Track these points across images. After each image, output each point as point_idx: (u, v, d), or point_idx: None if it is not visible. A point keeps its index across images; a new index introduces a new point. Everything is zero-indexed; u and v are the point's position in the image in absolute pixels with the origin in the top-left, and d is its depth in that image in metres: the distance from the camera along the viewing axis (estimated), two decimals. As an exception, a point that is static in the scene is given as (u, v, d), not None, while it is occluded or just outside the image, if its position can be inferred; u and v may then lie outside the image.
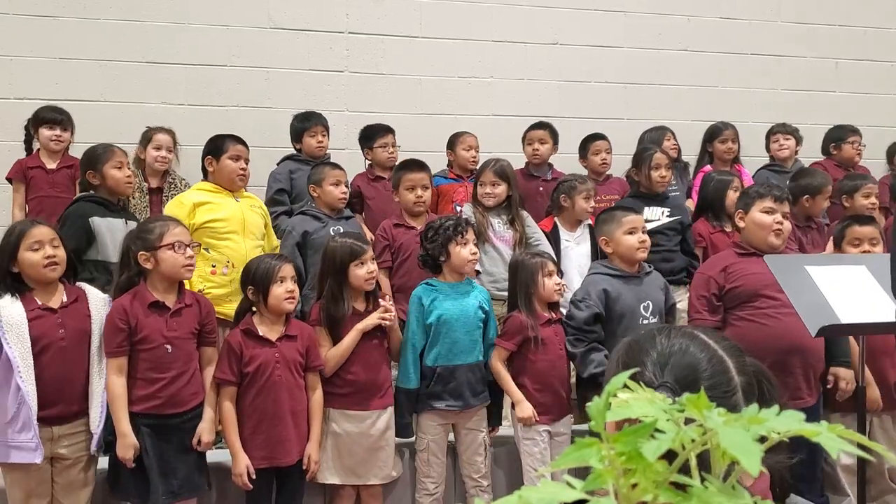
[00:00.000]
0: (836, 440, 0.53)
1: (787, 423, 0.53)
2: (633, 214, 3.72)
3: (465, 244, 3.51)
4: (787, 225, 3.61)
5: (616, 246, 3.59)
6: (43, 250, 2.99)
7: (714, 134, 5.54)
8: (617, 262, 3.62)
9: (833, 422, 3.21)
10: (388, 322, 3.39)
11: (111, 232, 3.75)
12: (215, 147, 4.00)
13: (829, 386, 3.63)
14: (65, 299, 3.06)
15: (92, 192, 3.92)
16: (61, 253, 3.05)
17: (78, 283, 3.18)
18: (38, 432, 2.90)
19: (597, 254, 4.39)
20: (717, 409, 0.57)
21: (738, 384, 1.21)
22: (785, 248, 3.71)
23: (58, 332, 2.99)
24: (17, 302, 2.96)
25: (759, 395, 1.27)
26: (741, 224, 3.67)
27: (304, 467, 3.25)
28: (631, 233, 3.58)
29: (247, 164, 4.05)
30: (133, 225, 3.86)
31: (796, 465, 1.30)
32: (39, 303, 3.00)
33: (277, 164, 4.85)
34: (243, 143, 4.08)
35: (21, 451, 2.91)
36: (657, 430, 0.56)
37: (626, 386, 0.80)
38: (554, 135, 5.14)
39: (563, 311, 3.71)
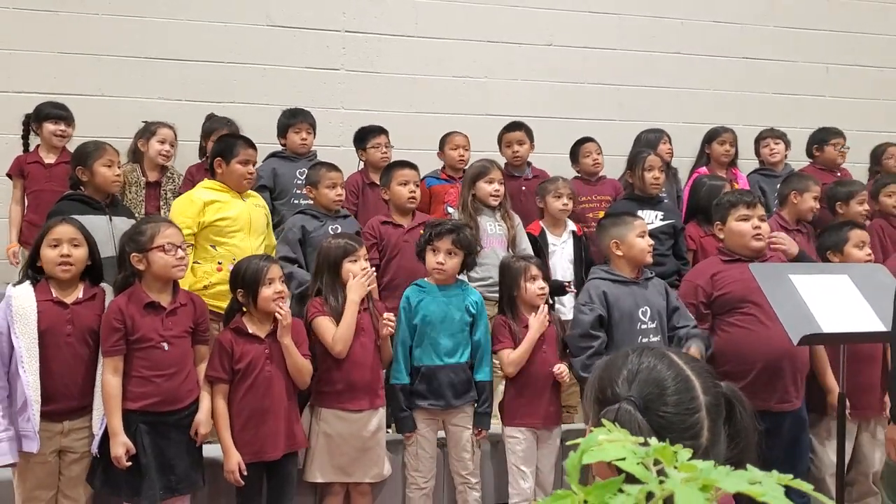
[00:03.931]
0: (783, 498, 0.60)
1: (735, 483, 0.60)
2: (640, 219, 3.79)
3: (434, 251, 3.60)
4: (766, 226, 3.69)
5: (628, 249, 3.61)
6: (60, 248, 3.07)
7: (713, 136, 5.61)
8: (621, 265, 3.64)
9: (816, 425, 3.30)
10: (389, 329, 3.48)
11: (93, 230, 3.78)
12: (227, 150, 4.00)
13: None
14: (80, 296, 3.13)
15: (80, 188, 3.95)
16: (79, 253, 3.12)
17: (102, 284, 3.25)
18: (36, 422, 2.96)
19: (581, 260, 4.46)
20: (680, 461, 0.64)
21: (702, 403, 1.29)
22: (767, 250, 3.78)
23: (65, 328, 3.06)
24: (31, 292, 3.05)
25: (731, 417, 1.34)
26: (721, 235, 3.76)
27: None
28: (641, 236, 3.64)
29: (254, 166, 4.10)
30: (119, 222, 3.91)
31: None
32: (54, 295, 3.08)
33: (262, 162, 4.86)
34: (253, 146, 4.10)
35: (28, 441, 2.99)
36: (627, 483, 0.63)
37: (601, 424, 0.87)
38: (530, 134, 5.18)
39: (562, 314, 3.78)
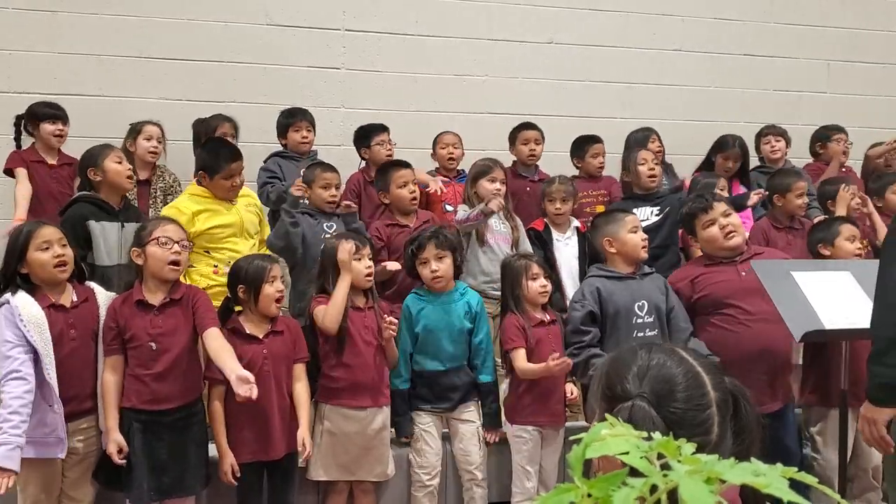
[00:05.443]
0: (787, 490, 0.59)
1: (740, 475, 0.59)
2: (631, 214, 3.80)
3: (424, 264, 3.62)
4: (733, 219, 3.65)
5: (622, 245, 3.61)
6: (52, 250, 3.02)
7: (720, 147, 5.46)
8: (617, 262, 3.64)
9: (814, 416, 3.28)
10: (391, 332, 3.48)
11: (104, 236, 3.75)
12: (210, 165, 3.89)
13: None
14: (74, 299, 3.11)
15: (94, 191, 3.91)
16: (69, 253, 3.09)
17: (87, 283, 3.23)
18: (63, 426, 2.95)
19: (585, 255, 4.47)
20: (684, 455, 0.64)
21: (712, 399, 1.29)
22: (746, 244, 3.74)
23: (69, 331, 3.05)
24: (31, 299, 2.99)
25: (736, 413, 1.34)
26: (697, 246, 3.75)
27: (301, 450, 3.25)
28: (634, 231, 3.64)
29: (241, 173, 3.97)
30: (131, 229, 3.88)
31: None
32: (52, 300, 3.04)
33: (265, 161, 4.85)
34: (239, 156, 3.97)
35: (49, 447, 2.96)
36: (631, 475, 0.63)
37: (605, 419, 0.87)
38: (542, 135, 5.19)
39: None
